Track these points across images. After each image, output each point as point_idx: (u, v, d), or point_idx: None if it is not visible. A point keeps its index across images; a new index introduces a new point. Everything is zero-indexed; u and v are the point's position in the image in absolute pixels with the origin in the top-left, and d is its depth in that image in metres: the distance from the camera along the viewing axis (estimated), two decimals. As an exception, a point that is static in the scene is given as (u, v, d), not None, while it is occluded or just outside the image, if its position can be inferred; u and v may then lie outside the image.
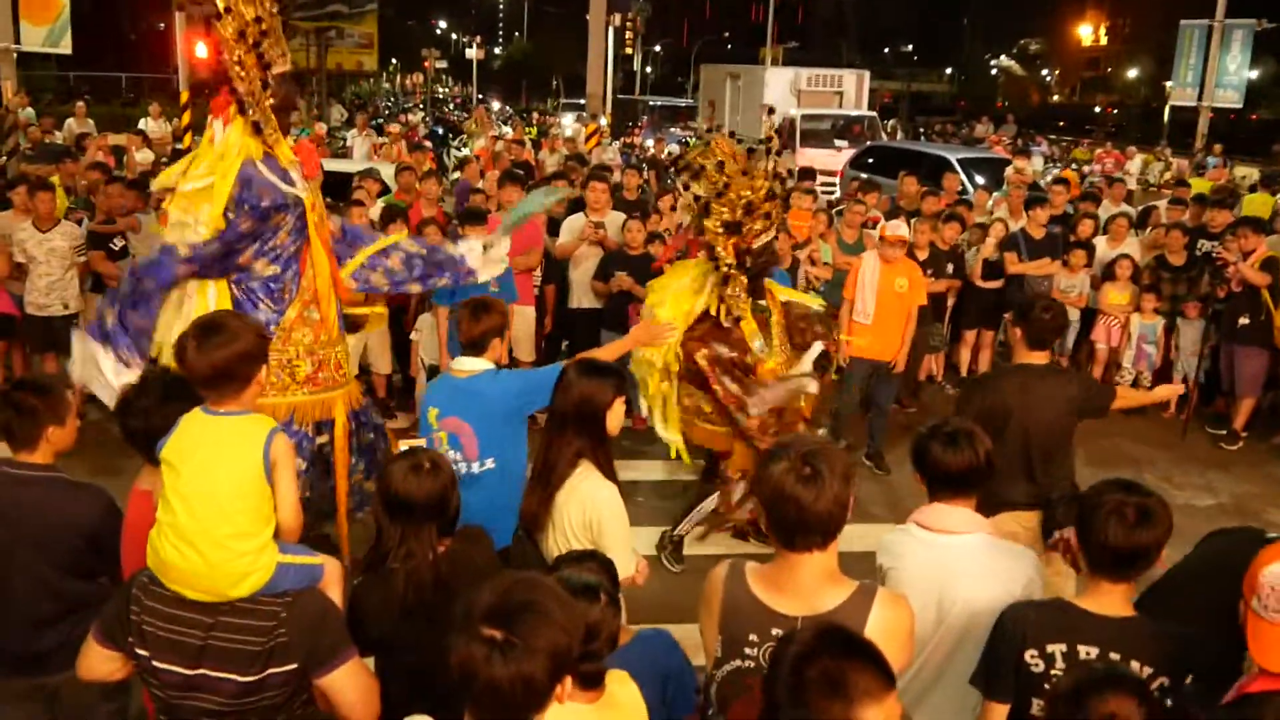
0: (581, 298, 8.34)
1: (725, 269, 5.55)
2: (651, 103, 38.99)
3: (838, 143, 22.06)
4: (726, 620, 2.60)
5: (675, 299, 5.69)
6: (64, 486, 3.49)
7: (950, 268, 9.22)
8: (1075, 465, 4.83)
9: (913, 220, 9.18)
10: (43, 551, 3.41)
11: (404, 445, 3.30)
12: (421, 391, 8.20)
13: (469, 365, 4.29)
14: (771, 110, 22.43)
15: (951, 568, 3.03)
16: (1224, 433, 8.73)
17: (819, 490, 2.39)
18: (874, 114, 26.44)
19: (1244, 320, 8.34)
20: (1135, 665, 2.64)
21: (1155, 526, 2.66)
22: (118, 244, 8.13)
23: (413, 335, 8.11)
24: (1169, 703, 2.61)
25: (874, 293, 7.52)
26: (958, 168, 14.98)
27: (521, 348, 8.21)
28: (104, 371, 4.40)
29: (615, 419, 3.53)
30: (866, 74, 28.09)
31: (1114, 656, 2.65)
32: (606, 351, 4.87)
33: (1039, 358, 4.66)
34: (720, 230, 5.48)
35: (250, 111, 4.45)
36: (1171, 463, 8.19)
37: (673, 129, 30.79)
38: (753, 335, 5.64)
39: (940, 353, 9.76)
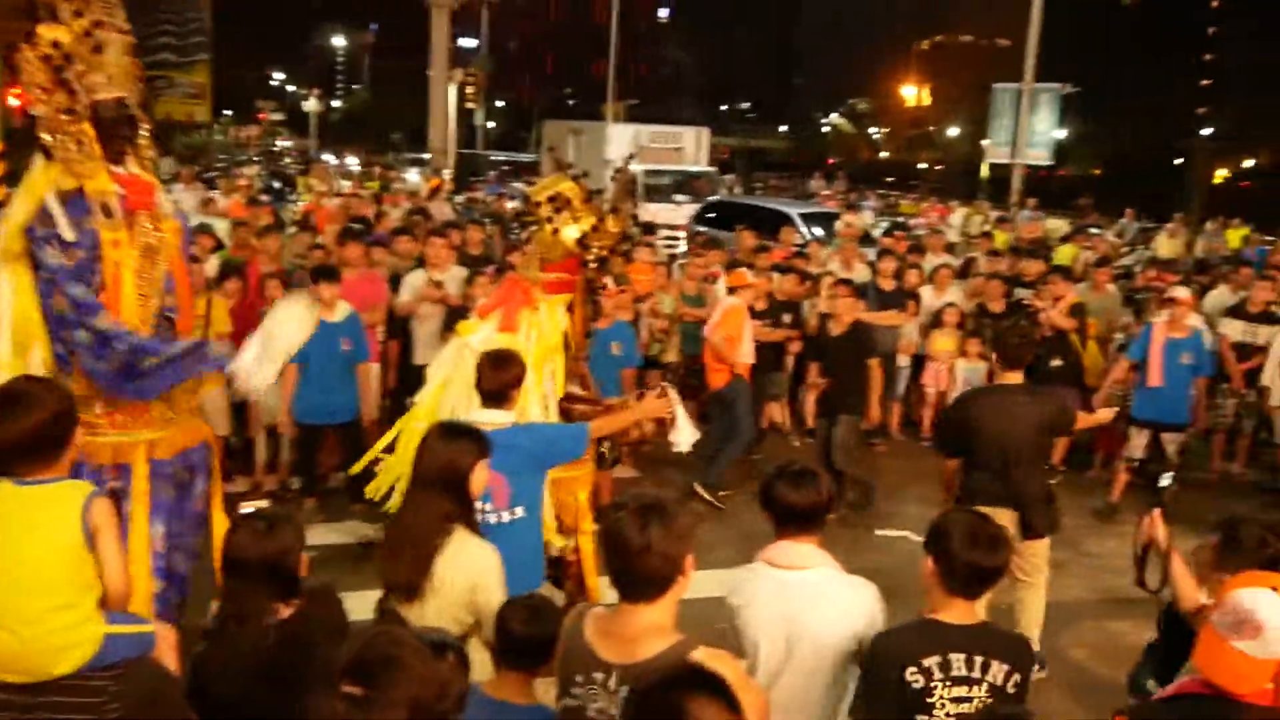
0: (426, 354, 8.24)
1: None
2: (494, 158, 39.16)
3: (678, 198, 22.69)
4: (563, 659, 2.75)
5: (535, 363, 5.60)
6: None
7: (788, 318, 9.50)
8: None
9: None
10: None
11: (247, 507, 3.21)
12: (261, 455, 7.96)
13: (494, 418, 4.29)
14: (631, 157, 22.89)
15: (798, 603, 3.15)
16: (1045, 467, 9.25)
17: (648, 545, 2.50)
18: (714, 169, 27.29)
19: (1056, 362, 8.91)
20: (995, 664, 2.93)
21: (1003, 551, 3.03)
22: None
23: (251, 395, 7.86)
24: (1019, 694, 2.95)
25: (750, 334, 8.25)
26: (798, 221, 15.54)
27: (365, 404, 8.08)
28: None
29: (478, 481, 3.50)
30: (706, 131, 29.03)
31: (977, 659, 2.93)
32: (611, 423, 4.92)
33: (1014, 377, 5.45)
34: (595, 265, 5.58)
35: (48, 138, 4.22)
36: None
37: (515, 184, 30.94)
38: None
39: (781, 400, 10.00)
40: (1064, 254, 14.11)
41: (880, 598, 3.26)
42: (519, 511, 4.30)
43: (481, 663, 3.37)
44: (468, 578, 3.33)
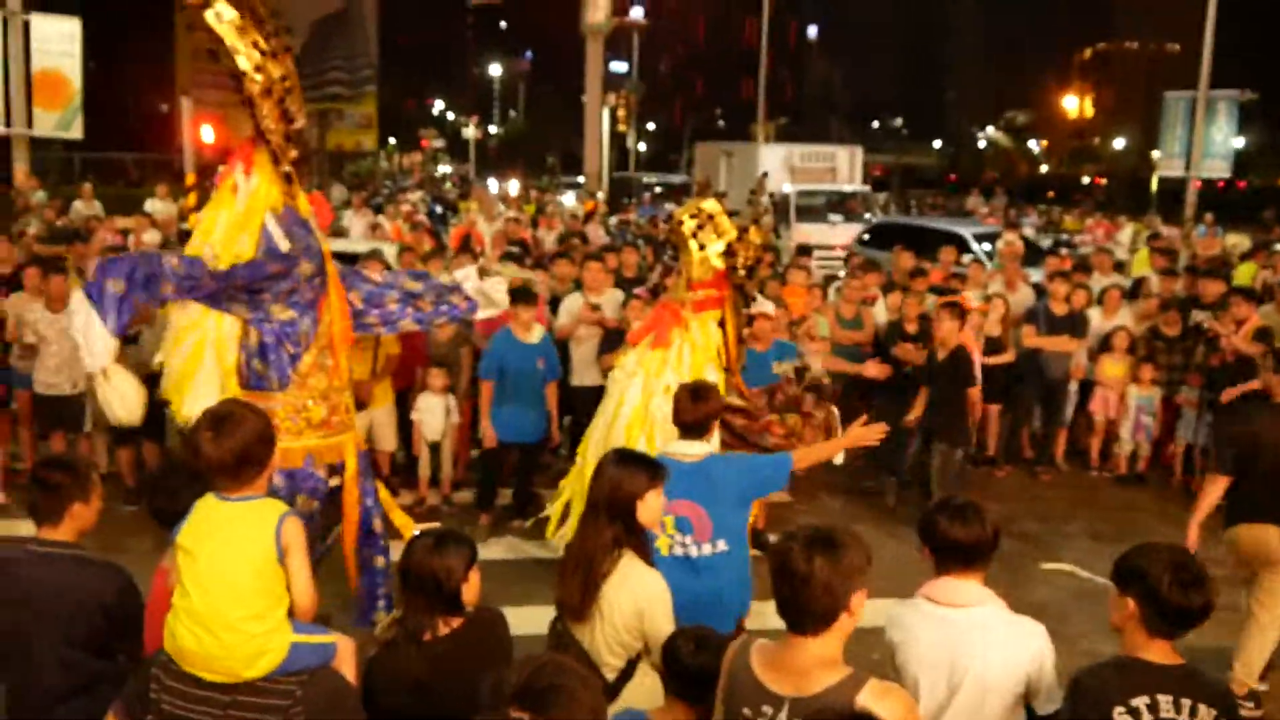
0: (584, 375, 8.41)
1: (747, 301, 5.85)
2: (646, 180, 39.58)
3: (832, 217, 22.24)
4: (728, 692, 2.73)
5: (692, 374, 5.67)
6: (86, 564, 3.52)
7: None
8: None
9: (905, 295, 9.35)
10: (64, 628, 3.43)
11: (419, 529, 3.36)
12: (425, 470, 8.26)
13: (693, 449, 4.35)
14: (765, 175, 22.79)
15: (961, 642, 3.07)
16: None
17: (811, 576, 2.51)
18: (868, 189, 26.69)
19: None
20: (1204, 708, 2.82)
21: (1209, 590, 2.89)
22: (130, 330, 8.19)
23: (414, 415, 8.18)
24: None
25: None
26: (970, 242, 15.04)
27: (553, 424, 8.28)
28: (93, 338, 4.38)
29: (648, 510, 3.50)
30: (859, 149, 28.46)
31: (1185, 702, 2.82)
32: (815, 453, 5.00)
33: None
34: (744, 274, 5.67)
35: (281, 163, 4.64)
36: (1173, 534, 8.17)
37: (668, 205, 31.16)
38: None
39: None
40: (1243, 273, 13.35)
41: (1047, 636, 3.15)
42: (721, 544, 4.29)
43: (651, 687, 3.42)
44: (634, 603, 3.37)
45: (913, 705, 2.66)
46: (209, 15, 4.41)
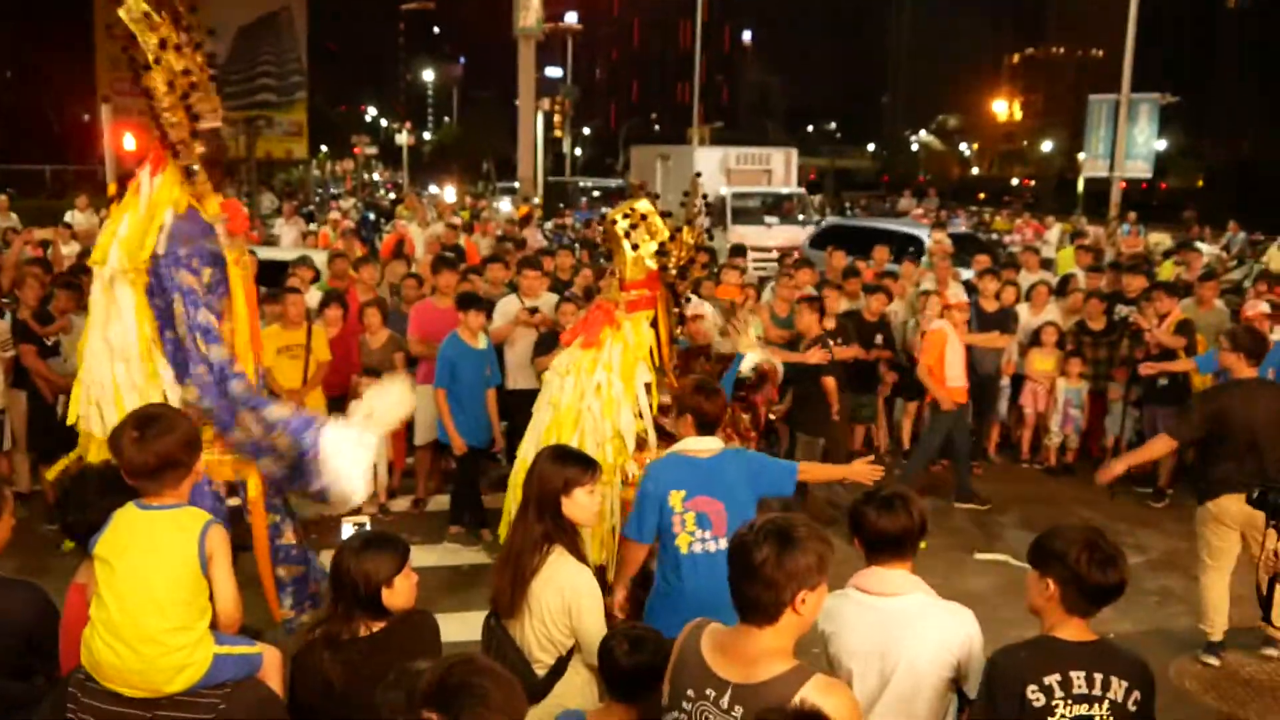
0: (517, 378, 8.36)
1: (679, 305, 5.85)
2: (582, 184, 39.52)
3: (768, 219, 22.55)
4: (675, 671, 2.74)
5: (623, 373, 5.63)
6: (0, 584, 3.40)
7: (879, 338, 9.38)
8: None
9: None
10: None
11: (347, 523, 3.28)
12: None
13: (707, 445, 4.37)
14: (699, 175, 22.83)
15: (892, 630, 3.10)
16: (1150, 491, 8.96)
17: (759, 567, 2.51)
18: (803, 190, 26.86)
19: (1162, 381, 8.62)
20: (1115, 681, 2.88)
21: (1122, 568, 2.97)
22: (50, 340, 7.97)
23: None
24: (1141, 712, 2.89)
25: (959, 356, 8.52)
26: (928, 243, 15.01)
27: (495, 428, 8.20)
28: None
29: (577, 507, 3.47)
30: (794, 151, 28.67)
31: (1097, 676, 2.88)
32: (819, 472, 5.24)
33: (1252, 372, 6.00)
34: (676, 274, 5.65)
35: (182, 159, 4.46)
36: (1102, 523, 8.36)
37: (604, 209, 31.09)
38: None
39: (872, 424, 9.84)
40: (1167, 270, 13.69)
41: (975, 621, 3.18)
42: None
43: (583, 685, 3.39)
44: (561, 599, 3.35)
45: (856, 705, 2.64)
46: (121, 10, 4.30)
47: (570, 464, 3.53)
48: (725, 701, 2.55)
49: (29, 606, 3.38)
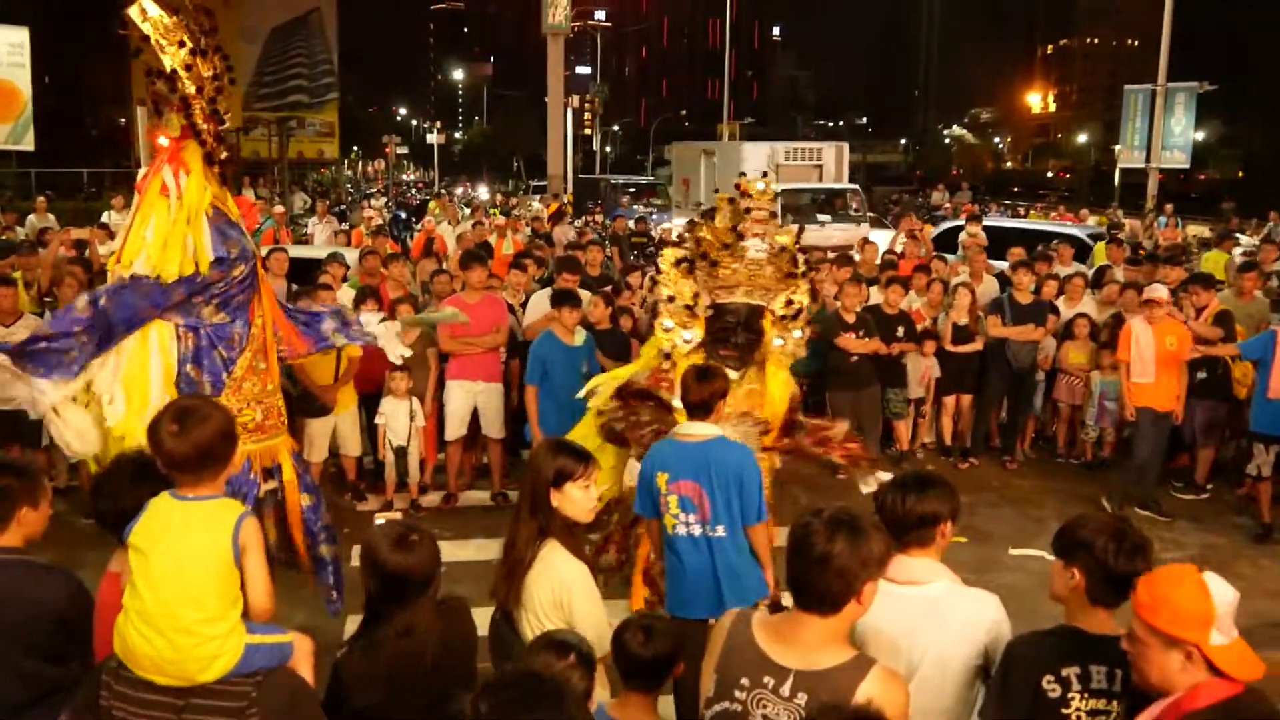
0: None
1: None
2: (614, 181, 39.37)
3: (821, 217, 21.26)
4: (724, 661, 2.68)
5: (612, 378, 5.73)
6: (34, 570, 3.43)
7: (901, 331, 9.30)
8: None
9: (872, 286, 9.38)
10: (13, 636, 3.34)
11: (381, 518, 3.29)
12: (391, 474, 8.19)
13: (699, 430, 4.37)
14: (743, 175, 22.15)
15: (917, 619, 3.07)
16: (1183, 485, 8.84)
17: (830, 558, 2.49)
18: (855, 186, 25.51)
19: (1201, 375, 8.48)
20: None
21: (1147, 555, 2.90)
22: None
23: (378, 419, 8.11)
24: None
25: (1151, 352, 8.07)
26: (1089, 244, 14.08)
27: (491, 424, 8.22)
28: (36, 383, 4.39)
29: (567, 501, 3.39)
30: (845, 146, 27.18)
31: (1119, 672, 2.81)
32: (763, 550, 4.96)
33: None
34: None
35: (215, 159, 4.54)
36: (1139, 518, 8.26)
37: (635, 206, 30.83)
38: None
39: (905, 420, 9.66)
40: (1212, 261, 13.46)
41: (1001, 607, 3.15)
42: (720, 530, 4.26)
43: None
44: (552, 594, 3.31)
45: (908, 697, 2.63)
46: (133, 11, 4.34)
47: (561, 455, 3.45)
48: (786, 689, 2.52)
49: (63, 591, 3.42)
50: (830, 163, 25.78)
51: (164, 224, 4.51)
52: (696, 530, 4.23)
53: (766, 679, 2.55)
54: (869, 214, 23.38)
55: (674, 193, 30.46)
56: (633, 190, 34.95)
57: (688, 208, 26.26)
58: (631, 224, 20.94)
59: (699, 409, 4.39)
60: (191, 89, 4.43)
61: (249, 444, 4.72)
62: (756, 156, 24.79)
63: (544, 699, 2.12)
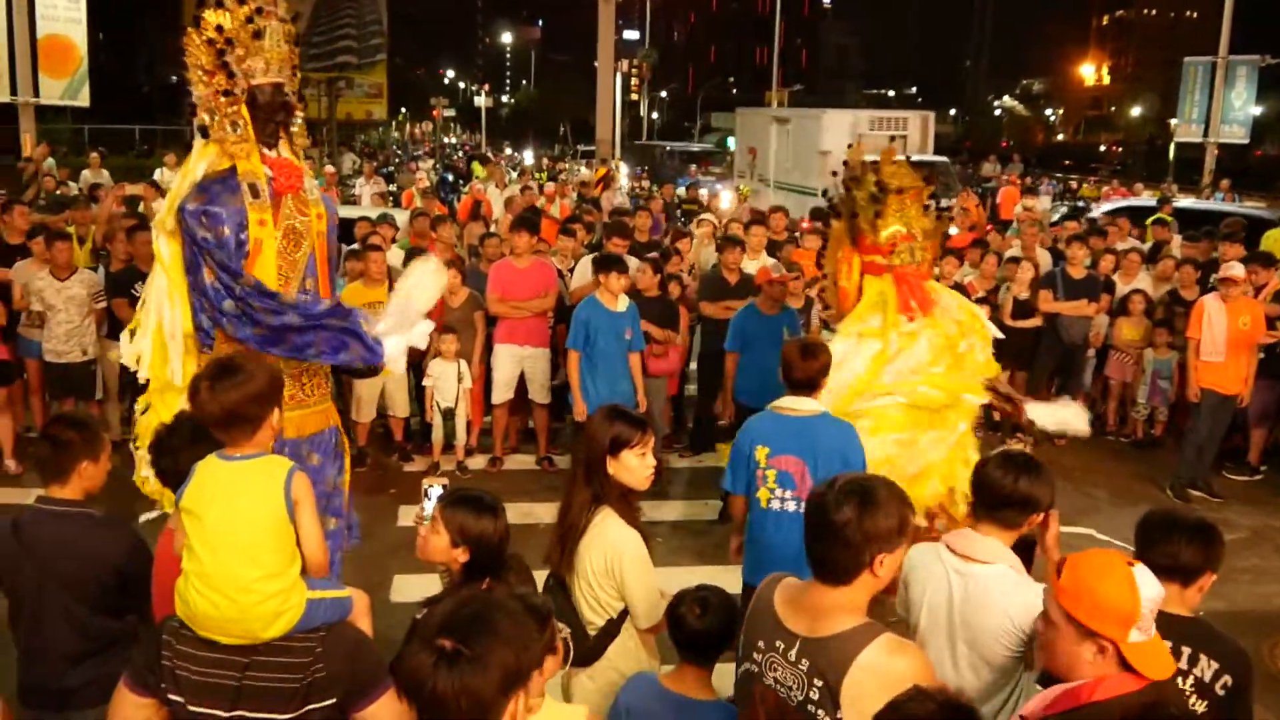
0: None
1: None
2: (669, 148, 38.18)
3: None
4: (749, 624, 2.72)
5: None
6: (94, 523, 3.49)
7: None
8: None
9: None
10: (72, 588, 3.41)
11: (428, 484, 3.27)
12: (439, 436, 8.25)
13: (803, 405, 4.36)
14: (826, 153, 20.31)
15: (964, 595, 3.05)
16: (1235, 466, 8.69)
17: (836, 529, 2.43)
18: (946, 159, 24.20)
19: (1260, 354, 8.30)
20: (1205, 658, 2.79)
21: (1216, 545, 2.89)
22: (139, 290, 8.14)
23: (426, 381, 8.15)
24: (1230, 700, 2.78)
25: (1223, 332, 7.91)
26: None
27: (538, 389, 8.24)
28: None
29: (623, 468, 3.36)
30: (931, 116, 25.25)
31: (1185, 650, 2.78)
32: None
33: None
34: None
35: (205, 118, 4.38)
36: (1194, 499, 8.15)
37: (692, 174, 29.95)
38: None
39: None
40: (1273, 239, 13.10)
41: None
42: None
43: (635, 650, 3.37)
44: (604, 561, 3.30)
45: (929, 664, 2.57)
46: None
47: (619, 422, 3.39)
48: (793, 654, 2.52)
49: (123, 545, 3.49)
50: (915, 133, 23.61)
51: (181, 177, 4.50)
52: (791, 506, 4.18)
53: (778, 643, 2.57)
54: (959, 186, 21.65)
55: (738, 161, 28.86)
56: (688, 157, 33.99)
57: (753, 178, 25.38)
58: (683, 190, 20.53)
59: (804, 385, 4.36)
60: (199, 41, 4.31)
61: (292, 410, 4.52)
62: (838, 126, 22.63)
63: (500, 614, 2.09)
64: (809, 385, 4.36)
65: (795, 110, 29.13)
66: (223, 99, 4.37)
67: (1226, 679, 2.78)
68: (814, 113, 25.23)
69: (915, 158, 22.49)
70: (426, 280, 4.56)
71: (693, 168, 30.85)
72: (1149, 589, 2.36)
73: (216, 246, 4.33)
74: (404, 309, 4.48)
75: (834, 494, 2.46)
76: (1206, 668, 2.79)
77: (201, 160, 4.44)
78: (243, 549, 2.76)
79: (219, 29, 4.33)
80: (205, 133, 4.43)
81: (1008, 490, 3.06)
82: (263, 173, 4.45)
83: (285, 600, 2.75)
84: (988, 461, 3.18)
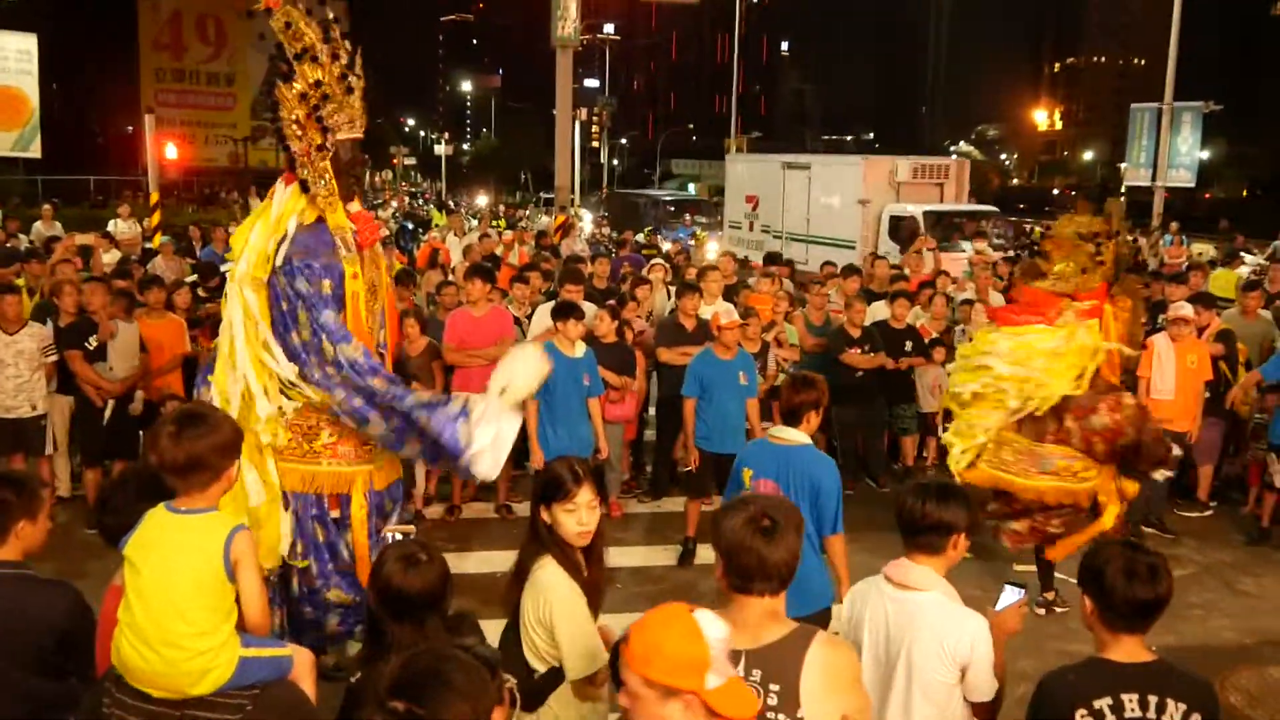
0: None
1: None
2: (660, 197, 37.02)
3: (963, 244, 17.47)
4: None
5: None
6: (33, 583, 3.40)
7: (909, 345, 9.28)
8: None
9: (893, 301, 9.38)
10: (10, 652, 3.32)
11: (390, 533, 3.24)
12: (420, 485, 8.15)
13: (789, 435, 4.68)
14: (864, 201, 19.86)
15: (899, 622, 3.15)
16: (1186, 502, 8.80)
17: (776, 541, 2.60)
18: (996, 209, 23.03)
19: (1205, 394, 8.44)
20: (1172, 704, 2.81)
21: (1164, 580, 2.87)
22: (92, 343, 8.03)
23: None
24: None
25: (1172, 371, 8.08)
26: None
27: (600, 439, 8.16)
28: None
29: (557, 521, 3.26)
30: (967, 162, 23.82)
31: (1152, 699, 2.80)
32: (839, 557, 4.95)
33: None
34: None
35: (300, 170, 4.48)
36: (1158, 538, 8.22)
37: (677, 224, 29.24)
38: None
39: (912, 436, 9.57)
40: (1222, 279, 13.42)
41: (985, 627, 3.12)
42: None
43: (567, 702, 3.28)
44: (535, 608, 3.23)
45: (858, 661, 2.76)
46: (272, 20, 4.37)
47: (554, 475, 3.31)
48: (741, 669, 2.58)
49: (62, 605, 3.40)
50: (952, 182, 21.98)
51: (263, 229, 4.54)
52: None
53: None
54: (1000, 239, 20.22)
55: (729, 210, 26.81)
56: (673, 206, 32.90)
57: (754, 230, 24.07)
58: (641, 237, 20.57)
59: (789, 416, 4.68)
60: (291, 96, 4.39)
61: (320, 466, 4.59)
62: (878, 174, 20.81)
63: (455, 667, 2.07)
64: (794, 416, 4.67)
65: (818, 157, 27.50)
66: (315, 153, 4.40)
67: (1196, 718, 2.81)
68: (850, 160, 23.61)
69: (971, 207, 21.35)
70: (527, 367, 4.50)
71: (686, 217, 30.33)
72: (713, 630, 2.29)
73: (322, 303, 4.35)
74: (497, 395, 4.43)
75: (760, 520, 2.63)
76: (1175, 712, 2.80)
77: (291, 214, 4.46)
78: (174, 604, 2.74)
79: (316, 84, 4.38)
80: (305, 186, 4.49)
81: (919, 516, 3.16)
82: (349, 226, 4.51)
83: (214, 657, 2.73)
84: (901, 492, 3.29)
